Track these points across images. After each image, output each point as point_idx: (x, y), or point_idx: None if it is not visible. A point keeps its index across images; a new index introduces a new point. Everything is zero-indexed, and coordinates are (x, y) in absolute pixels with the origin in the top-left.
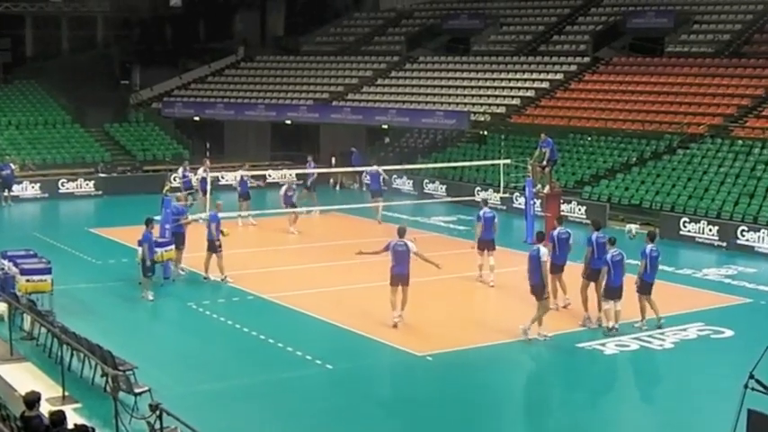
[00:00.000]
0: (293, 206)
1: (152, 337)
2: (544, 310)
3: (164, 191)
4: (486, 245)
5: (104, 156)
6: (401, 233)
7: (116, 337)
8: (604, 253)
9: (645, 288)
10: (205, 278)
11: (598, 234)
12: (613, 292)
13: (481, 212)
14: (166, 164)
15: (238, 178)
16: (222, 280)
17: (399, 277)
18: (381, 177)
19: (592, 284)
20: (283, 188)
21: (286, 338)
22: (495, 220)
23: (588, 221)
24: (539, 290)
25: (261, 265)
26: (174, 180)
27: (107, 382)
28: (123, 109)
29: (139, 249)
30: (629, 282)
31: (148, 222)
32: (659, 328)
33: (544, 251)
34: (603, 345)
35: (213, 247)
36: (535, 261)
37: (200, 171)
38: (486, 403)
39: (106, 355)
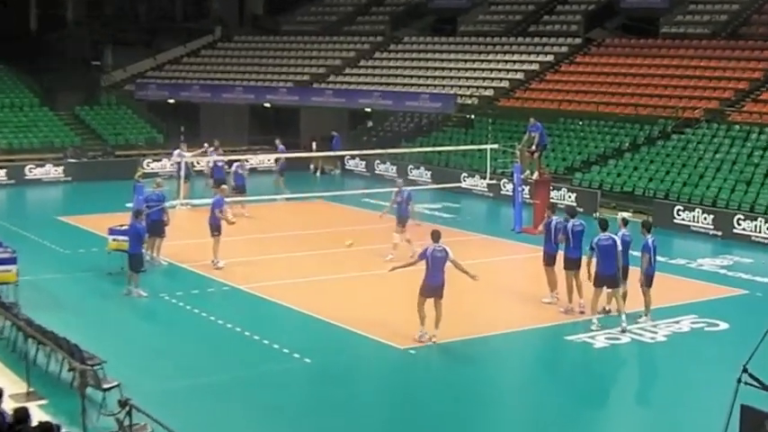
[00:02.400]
0: (242, 190)
1: (122, 331)
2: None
3: (136, 177)
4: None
5: (74, 140)
6: (437, 237)
7: (84, 330)
8: (581, 241)
9: (648, 280)
10: (215, 264)
11: (574, 222)
12: (605, 281)
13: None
14: (139, 149)
15: (232, 169)
16: (213, 263)
17: (436, 289)
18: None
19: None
20: (234, 166)
21: (263, 331)
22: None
23: (581, 210)
24: (616, 279)
25: (237, 254)
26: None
27: (74, 377)
28: (94, 91)
29: (110, 237)
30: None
31: (137, 214)
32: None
33: (617, 239)
34: (593, 338)
35: (211, 229)
36: (612, 250)
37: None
38: (472, 398)
39: (73, 348)
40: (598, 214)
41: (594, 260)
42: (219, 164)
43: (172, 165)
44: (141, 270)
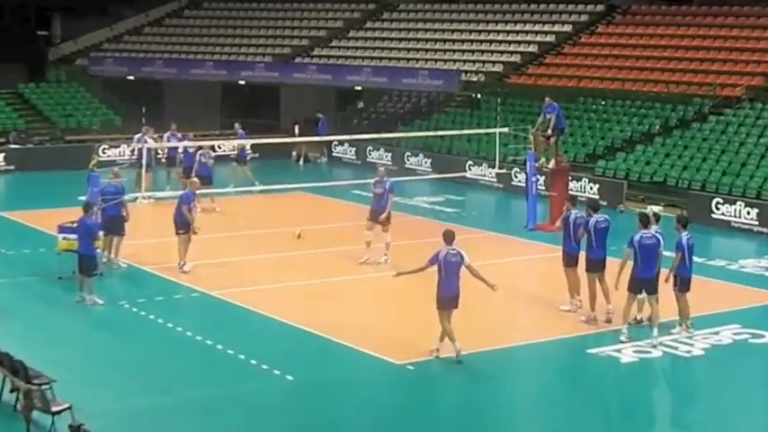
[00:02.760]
0: (209, 181)
1: (75, 345)
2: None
3: (90, 166)
4: None
5: (17, 123)
6: (450, 239)
7: (30, 344)
8: (605, 240)
9: (684, 284)
10: (182, 267)
11: (597, 217)
12: (643, 284)
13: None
14: (94, 133)
15: (196, 158)
16: (180, 267)
17: (452, 299)
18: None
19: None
20: (198, 153)
21: (237, 344)
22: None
23: (604, 203)
24: (655, 283)
25: (208, 255)
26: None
27: (18, 398)
28: (41, 66)
29: (60, 236)
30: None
31: (87, 208)
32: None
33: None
34: (620, 351)
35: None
36: (655, 250)
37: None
38: (481, 422)
39: (17, 365)
40: (623, 207)
41: (630, 261)
42: (191, 150)
43: (132, 152)
44: (95, 273)
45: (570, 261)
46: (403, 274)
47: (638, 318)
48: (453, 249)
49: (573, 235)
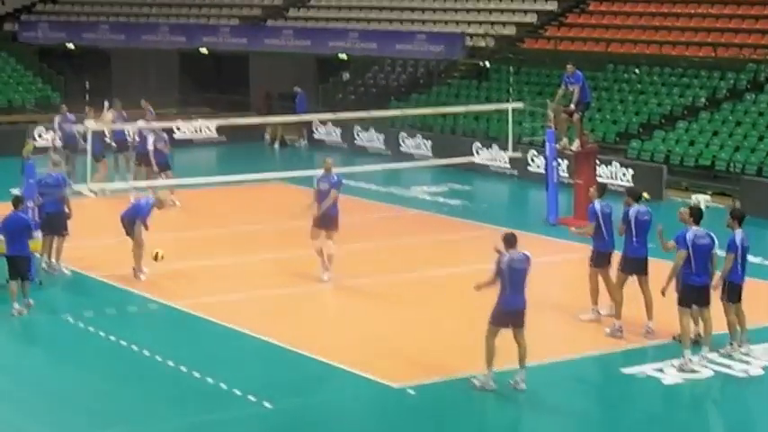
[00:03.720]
0: (166, 166)
1: (9, 368)
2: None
3: (25, 153)
4: None
5: None
6: (512, 242)
7: None
8: (646, 235)
9: (735, 293)
10: (137, 274)
11: (639, 208)
12: (697, 296)
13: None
14: (28, 113)
15: (149, 146)
16: (135, 272)
17: (516, 314)
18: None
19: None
20: (150, 140)
21: (204, 365)
22: None
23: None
24: (709, 293)
25: (168, 258)
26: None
27: None
28: None
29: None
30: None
31: (17, 202)
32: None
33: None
34: (661, 370)
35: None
36: (709, 251)
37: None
38: None
39: None
40: (647, 196)
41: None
42: (146, 133)
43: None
44: (30, 278)
45: (599, 261)
46: (484, 287)
47: (694, 336)
48: (518, 254)
49: (604, 229)
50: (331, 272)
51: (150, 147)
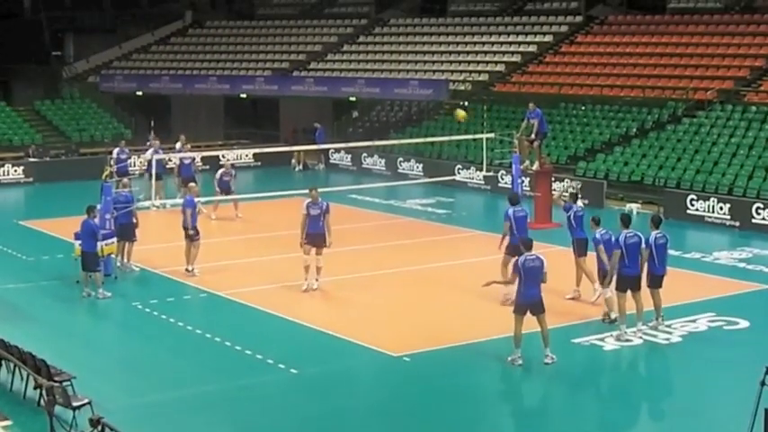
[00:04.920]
0: (228, 191)
1: (92, 343)
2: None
3: (103, 176)
4: None
5: (35, 138)
6: (529, 246)
7: (51, 343)
8: (526, 229)
9: (655, 282)
10: (188, 271)
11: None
12: (629, 282)
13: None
14: (106, 146)
15: (217, 176)
16: (188, 271)
17: (533, 305)
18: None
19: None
20: (219, 172)
21: (244, 340)
22: None
23: (586, 201)
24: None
25: (214, 258)
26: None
27: (41, 394)
28: (55, 84)
29: (77, 243)
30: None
31: (90, 210)
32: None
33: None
34: (602, 339)
35: (189, 235)
36: (636, 248)
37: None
38: (474, 409)
39: (40, 364)
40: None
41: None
42: (186, 161)
43: (141, 163)
44: (97, 270)
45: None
46: (494, 283)
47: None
48: (532, 255)
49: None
50: (319, 280)
51: (217, 176)
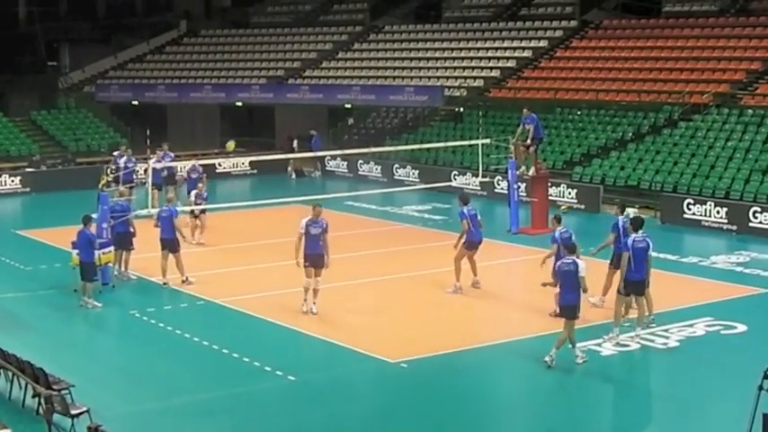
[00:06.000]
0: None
1: (90, 351)
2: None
3: (100, 186)
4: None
5: (31, 148)
6: (573, 249)
7: (49, 352)
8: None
9: (631, 287)
10: (164, 284)
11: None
12: (634, 287)
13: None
14: (102, 155)
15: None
16: (184, 282)
17: (568, 309)
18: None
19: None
20: (186, 168)
21: (241, 347)
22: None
23: (581, 207)
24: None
25: (210, 266)
26: (109, 172)
27: (40, 403)
28: (51, 94)
29: (74, 252)
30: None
31: (86, 220)
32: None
33: (582, 265)
34: (600, 345)
35: (171, 246)
36: (644, 252)
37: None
38: (471, 415)
39: (38, 372)
40: (565, 209)
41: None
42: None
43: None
44: (94, 279)
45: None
46: (549, 285)
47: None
48: (568, 259)
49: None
50: (317, 304)
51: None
